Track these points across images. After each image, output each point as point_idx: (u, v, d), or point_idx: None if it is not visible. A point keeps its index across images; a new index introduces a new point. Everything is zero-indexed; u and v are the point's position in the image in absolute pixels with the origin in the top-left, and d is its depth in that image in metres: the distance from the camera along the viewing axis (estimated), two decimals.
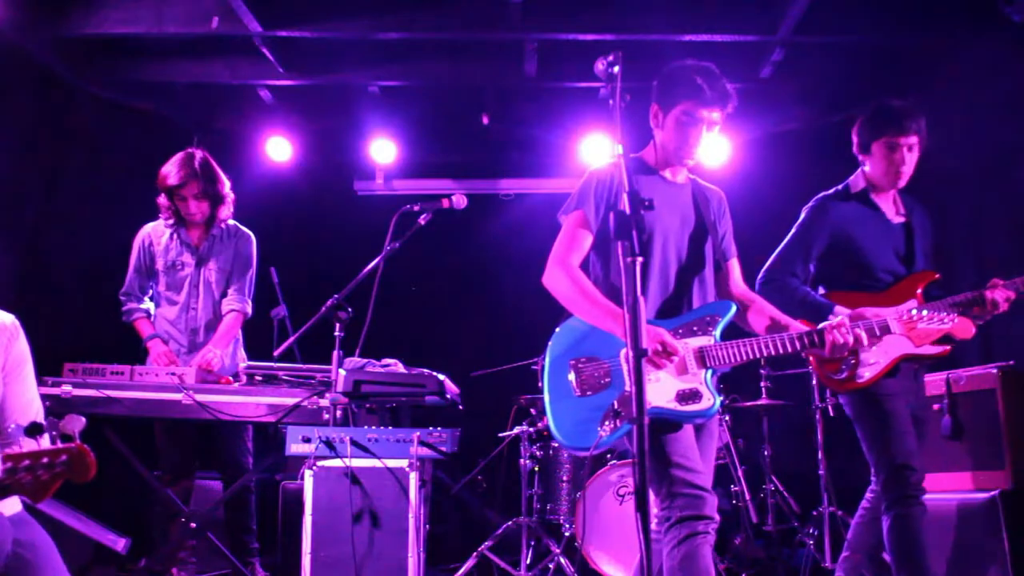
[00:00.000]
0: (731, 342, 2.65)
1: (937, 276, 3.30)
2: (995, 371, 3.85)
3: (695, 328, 2.67)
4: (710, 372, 2.63)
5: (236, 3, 4.76)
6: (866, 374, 3.21)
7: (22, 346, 2.55)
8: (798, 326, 2.74)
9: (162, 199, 4.22)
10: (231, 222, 4.35)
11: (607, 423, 2.58)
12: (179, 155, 4.22)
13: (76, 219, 5.31)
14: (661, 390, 2.60)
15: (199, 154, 4.22)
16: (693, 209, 2.83)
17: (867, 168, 3.43)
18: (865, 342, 2.68)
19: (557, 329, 2.76)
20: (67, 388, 3.51)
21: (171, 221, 4.24)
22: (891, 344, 3.16)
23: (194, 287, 4.23)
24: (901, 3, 5.01)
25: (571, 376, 2.66)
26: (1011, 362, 3.89)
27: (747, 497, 4.81)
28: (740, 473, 4.75)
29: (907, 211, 3.42)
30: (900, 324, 2.86)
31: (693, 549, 2.48)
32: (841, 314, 3.04)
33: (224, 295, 4.29)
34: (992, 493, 3.66)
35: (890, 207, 3.42)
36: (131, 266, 4.29)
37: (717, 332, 2.67)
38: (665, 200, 2.74)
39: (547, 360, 2.73)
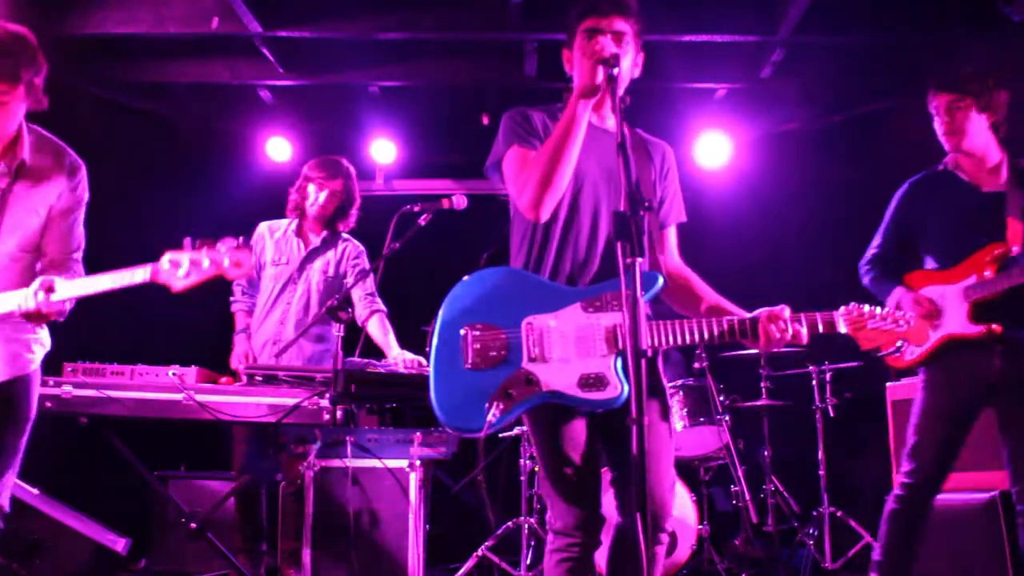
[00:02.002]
0: (651, 323, 2.28)
1: (1003, 248, 3.01)
2: None
3: (612, 302, 2.29)
4: (620, 354, 2.25)
5: (236, 3, 4.76)
6: (910, 355, 3.14)
7: (84, 193, 2.77)
8: (737, 312, 2.38)
9: (296, 189, 4.32)
10: (345, 235, 4.38)
11: (497, 404, 2.24)
12: (326, 156, 4.40)
13: None
14: (563, 373, 2.25)
15: (349, 164, 4.38)
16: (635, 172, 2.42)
17: None
18: (804, 338, 2.26)
19: (454, 288, 2.42)
20: (67, 388, 3.50)
21: (295, 213, 4.31)
22: (936, 325, 3.07)
23: (293, 283, 4.24)
24: (901, 3, 5.01)
25: (462, 345, 2.30)
26: None
27: (747, 497, 4.81)
28: (740, 473, 4.75)
29: (1015, 181, 3.10)
30: (846, 321, 2.29)
31: (560, 573, 2.27)
32: (899, 295, 3.11)
33: (327, 299, 4.21)
34: (992, 493, 3.66)
35: (984, 175, 3.15)
36: None
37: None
38: (590, 147, 2.41)
39: (438, 323, 2.36)
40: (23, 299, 2.48)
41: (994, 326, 2.98)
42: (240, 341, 4.26)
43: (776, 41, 5.22)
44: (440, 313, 2.38)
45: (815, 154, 6.15)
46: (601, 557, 2.40)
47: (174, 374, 3.58)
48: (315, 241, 4.30)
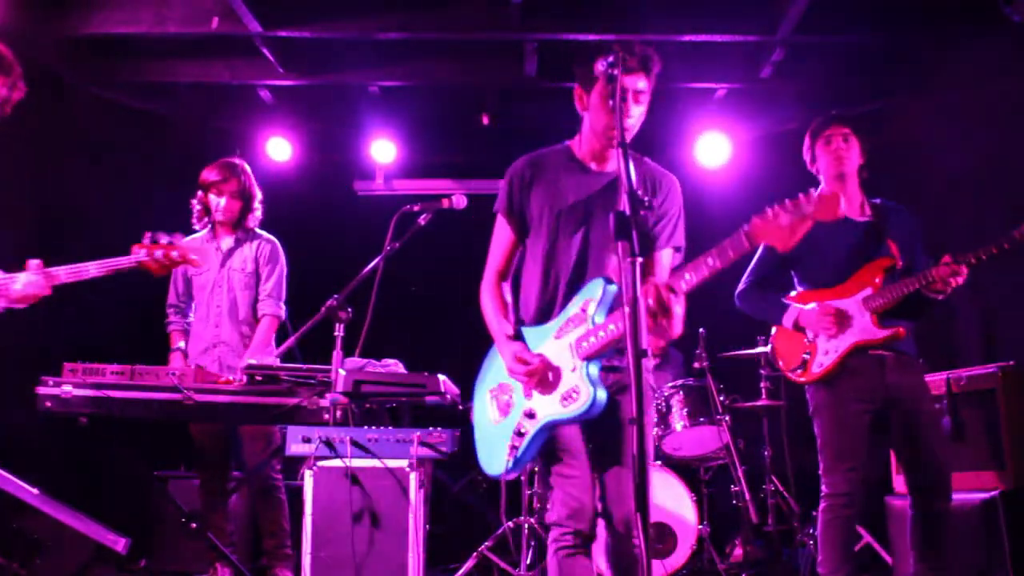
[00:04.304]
0: (600, 324, 2.43)
1: (889, 262, 3.38)
2: (996, 371, 3.85)
3: (573, 322, 2.50)
4: (589, 363, 2.44)
5: (236, 3, 4.76)
6: (817, 367, 3.40)
7: None
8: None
9: (197, 199, 4.40)
10: (258, 230, 4.49)
11: (512, 446, 2.53)
12: (222, 159, 4.44)
13: (76, 219, 5.31)
14: (550, 399, 2.49)
15: (241, 161, 4.45)
16: (616, 196, 2.49)
17: (820, 178, 3.61)
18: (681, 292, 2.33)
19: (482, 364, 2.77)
20: (67, 388, 3.50)
21: (205, 219, 4.40)
22: (843, 334, 3.34)
23: (218, 287, 4.36)
24: (901, 3, 5.01)
25: (489, 405, 2.67)
26: (1012, 362, 3.89)
27: (747, 497, 4.81)
28: (740, 473, 4.75)
29: (877, 213, 3.52)
30: (753, 231, 2.28)
31: (556, 562, 2.49)
32: (797, 311, 3.44)
33: (253, 297, 4.40)
34: (992, 493, 3.66)
35: (853, 209, 3.53)
36: (171, 279, 4.46)
37: (598, 316, 2.44)
38: (580, 192, 2.61)
39: (474, 394, 2.75)
40: None
41: (899, 329, 3.29)
42: (175, 358, 4.33)
43: (776, 41, 5.22)
44: (475, 386, 2.75)
45: None
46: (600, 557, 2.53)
47: (174, 374, 3.58)
48: (229, 242, 4.41)
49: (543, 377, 2.48)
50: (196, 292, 4.41)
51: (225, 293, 4.35)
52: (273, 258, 4.44)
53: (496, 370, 2.67)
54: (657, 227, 2.62)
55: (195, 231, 4.46)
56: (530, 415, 2.52)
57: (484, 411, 2.68)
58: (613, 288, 2.45)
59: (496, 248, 2.75)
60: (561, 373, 2.48)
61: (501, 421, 2.61)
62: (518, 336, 2.60)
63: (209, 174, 4.33)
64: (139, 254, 3.31)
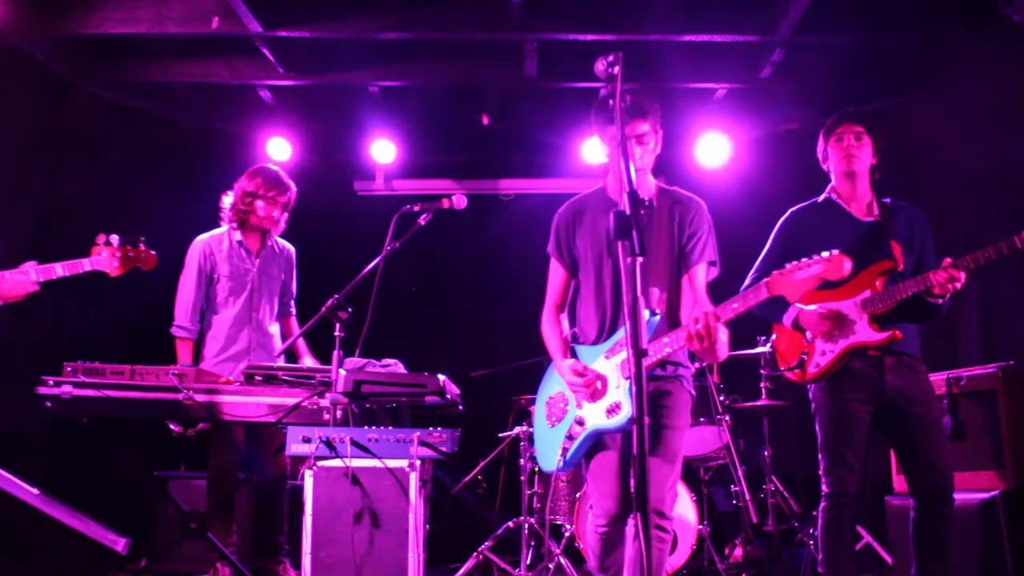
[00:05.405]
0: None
1: (891, 264, 3.36)
2: (996, 371, 3.86)
3: (620, 345, 2.82)
4: (631, 383, 2.65)
5: (236, 3, 4.76)
6: (813, 367, 3.42)
7: None
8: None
9: (235, 202, 4.38)
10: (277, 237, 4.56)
11: (563, 447, 2.90)
12: (265, 168, 4.46)
13: (76, 219, 5.31)
14: (597, 410, 2.83)
15: (280, 170, 4.49)
16: (650, 229, 2.86)
17: (831, 176, 3.62)
18: (720, 324, 2.62)
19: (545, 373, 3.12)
20: (67, 388, 3.50)
21: (235, 225, 4.40)
22: (840, 336, 3.35)
23: (256, 291, 4.39)
24: (901, 3, 5.01)
25: (545, 411, 3.03)
26: (1012, 362, 3.89)
27: (747, 497, 4.81)
28: (740, 473, 4.75)
29: (885, 214, 3.50)
30: (774, 284, 2.65)
31: (595, 541, 2.85)
32: (797, 311, 3.45)
33: (282, 299, 4.51)
34: (992, 493, 3.66)
35: (861, 209, 3.53)
36: (193, 279, 4.33)
37: None
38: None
39: (536, 402, 3.11)
40: None
41: (896, 332, 3.30)
42: None
43: (776, 41, 5.22)
44: (537, 393, 3.12)
45: (815, 154, 6.14)
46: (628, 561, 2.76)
47: (174, 374, 3.58)
48: (262, 248, 4.44)
49: (595, 388, 2.82)
50: (224, 295, 4.34)
51: (264, 298, 4.39)
52: (295, 264, 4.58)
53: (554, 383, 3.04)
54: (689, 244, 2.91)
55: (216, 229, 4.44)
56: (580, 423, 2.88)
57: (542, 417, 3.05)
58: (656, 319, 2.78)
59: (552, 285, 3.10)
60: (608, 387, 2.82)
61: (556, 426, 2.97)
62: (573, 354, 2.96)
63: (267, 187, 4.33)
64: (101, 255, 3.48)
